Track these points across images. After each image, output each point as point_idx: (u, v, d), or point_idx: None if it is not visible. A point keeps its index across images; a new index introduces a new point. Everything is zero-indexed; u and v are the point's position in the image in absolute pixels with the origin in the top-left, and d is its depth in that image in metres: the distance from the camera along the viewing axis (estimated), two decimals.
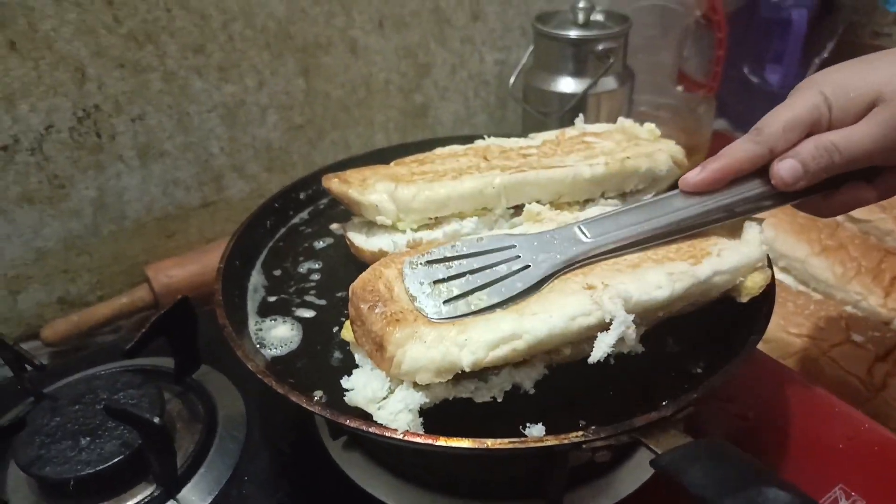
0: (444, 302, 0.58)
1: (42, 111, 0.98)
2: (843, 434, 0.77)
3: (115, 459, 0.69)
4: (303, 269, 0.82)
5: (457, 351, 0.56)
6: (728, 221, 0.66)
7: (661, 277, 0.61)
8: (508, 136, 0.94)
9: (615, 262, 0.64)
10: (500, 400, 0.60)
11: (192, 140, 1.12)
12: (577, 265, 0.62)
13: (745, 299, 0.66)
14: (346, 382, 0.60)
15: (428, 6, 1.26)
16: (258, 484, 0.73)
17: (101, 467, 0.68)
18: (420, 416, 0.57)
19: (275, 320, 0.74)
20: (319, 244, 0.87)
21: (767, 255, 0.68)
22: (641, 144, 0.85)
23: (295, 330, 0.73)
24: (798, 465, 0.75)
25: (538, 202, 0.77)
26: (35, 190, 1.01)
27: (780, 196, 0.65)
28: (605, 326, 0.58)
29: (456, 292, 0.58)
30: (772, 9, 1.53)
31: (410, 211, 0.74)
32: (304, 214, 0.92)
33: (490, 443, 0.55)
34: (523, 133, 1.37)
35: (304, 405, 0.58)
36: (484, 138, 0.88)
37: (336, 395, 0.62)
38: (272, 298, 0.78)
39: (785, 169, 0.62)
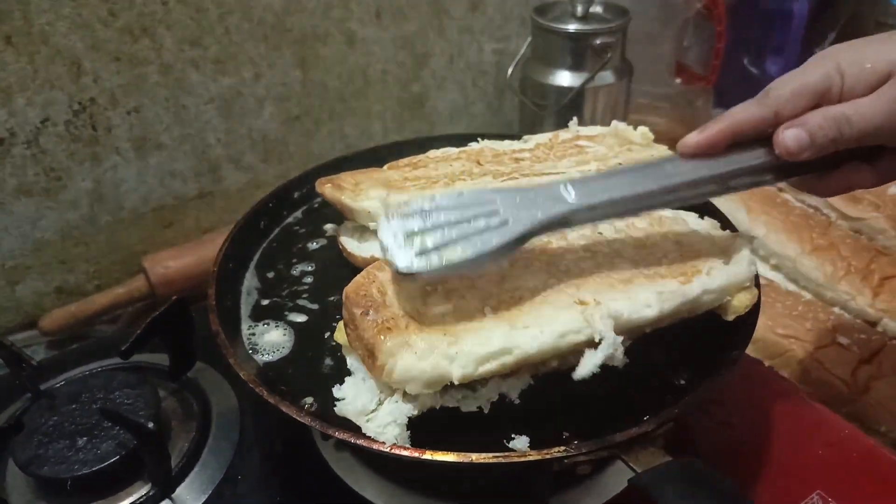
0: (417, 255, 0.56)
1: (38, 105, 0.98)
2: (823, 440, 0.79)
3: (112, 459, 0.70)
4: (296, 271, 0.83)
5: (447, 364, 0.57)
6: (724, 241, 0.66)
7: (650, 296, 0.62)
8: (503, 137, 0.94)
9: (608, 276, 0.65)
10: (486, 411, 0.61)
11: (189, 132, 1.12)
12: (558, 226, 0.60)
13: (730, 317, 0.67)
14: (337, 392, 0.62)
15: None
16: (251, 483, 0.75)
17: (97, 467, 0.70)
18: (407, 427, 0.59)
19: (267, 325, 0.75)
20: (313, 245, 0.88)
21: (756, 275, 0.69)
22: (634, 149, 0.86)
23: (287, 335, 0.74)
24: (777, 469, 0.77)
25: None
26: (32, 182, 1.02)
27: (779, 169, 0.62)
28: (593, 342, 0.59)
29: (430, 245, 0.56)
30: (773, 0, 1.52)
31: None
32: (298, 214, 0.93)
33: (474, 457, 0.56)
34: (521, 124, 1.39)
35: (295, 416, 0.60)
36: (478, 141, 0.89)
37: (326, 403, 0.64)
38: (265, 302, 0.79)
39: (790, 137, 0.58)
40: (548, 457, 0.57)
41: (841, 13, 1.70)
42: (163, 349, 0.84)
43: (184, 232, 1.19)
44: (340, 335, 0.65)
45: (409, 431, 0.59)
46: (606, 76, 1.26)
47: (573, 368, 0.59)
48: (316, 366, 0.71)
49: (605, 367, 0.61)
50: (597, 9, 1.29)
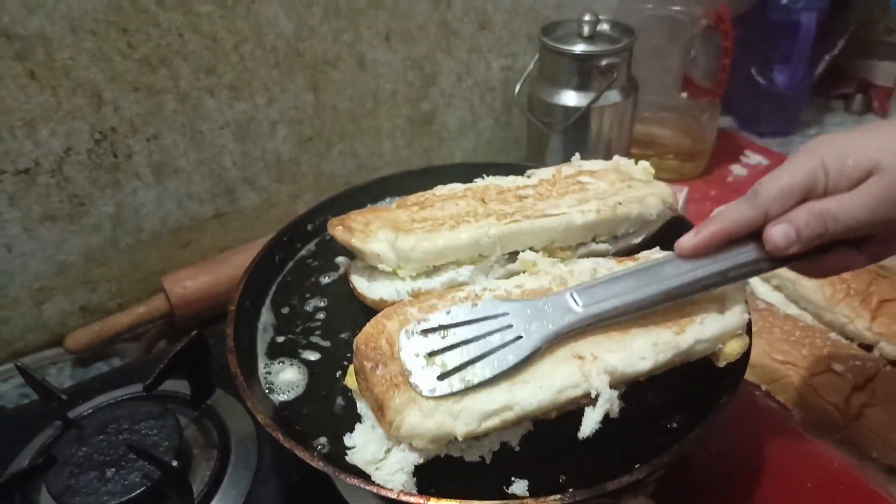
0: (439, 377, 0.62)
1: (61, 135, 1.02)
2: (813, 472, 0.82)
3: (138, 491, 0.75)
4: (309, 307, 0.87)
5: (451, 421, 0.61)
6: (719, 289, 0.70)
7: (645, 348, 0.66)
8: (508, 166, 0.98)
9: (604, 326, 0.68)
10: (488, 461, 0.65)
11: (206, 156, 1.16)
12: (567, 333, 0.66)
13: (721, 364, 0.70)
14: (348, 440, 0.66)
15: (435, 19, 1.27)
16: None
17: (125, 498, 0.74)
18: (413, 474, 0.63)
19: (282, 363, 0.80)
20: (325, 279, 0.91)
21: (749, 322, 0.72)
22: (634, 186, 0.88)
23: (301, 374, 0.78)
24: (768, 501, 0.80)
25: (532, 248, 0.82)
26: (56, 209, 1.06)
27: (773, 260, 0.66)
28: (590, 395, 0.63)
29: (450, 366, 0.62)
30: (781, 11, 1.52)
31: (410, 260, 0.79)
32: (311, 246, 0.97)
33: None
34: (528, 139, 1.42)
35: (310, 462, 0.64)
36: (483, 177, 0.92)
37: (339, 443, 0.68)
38: (280, 339, 0.83)
39: (778, 234, 0.63)
40: None
41: (850, 21, 1.70)
42: (183, 376, 0.88)
43: (201, 251, 1.23)
44: (351, 381, 0.69)
45: (415, 478, 0.63)
46: (612, 95, 1.28)
47: (571, 415, 0.64)
48: (329, 405, 0.75)
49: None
50: (604, 27, 1.31)
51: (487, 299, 0.69)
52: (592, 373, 0.63)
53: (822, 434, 0.95)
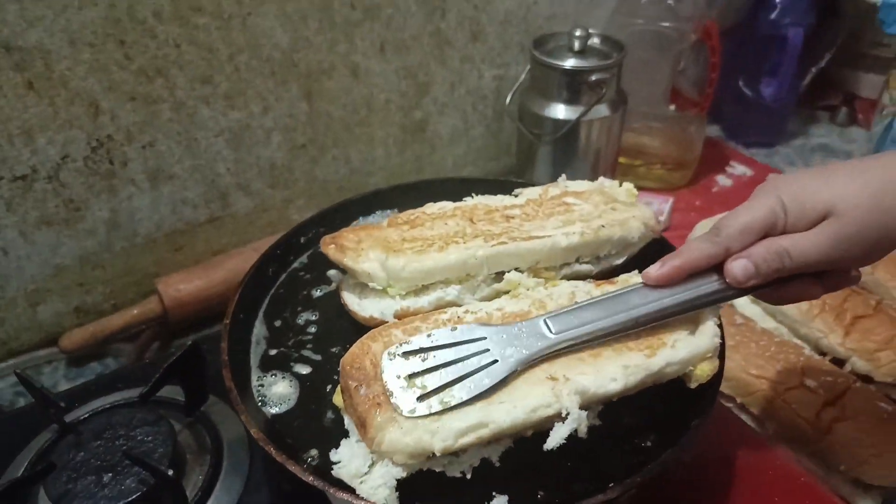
0: (419, 399, 0.65)
1: (58, 143, 1.04)
2: (781, 487, 0.86)
3: (135, 496, 0.78)
4: (301, 320, 0.90)
5: (429, 438, 0.64)
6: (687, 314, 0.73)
7: (616, 370, 0.69)
8: (497, 182, 1.01)
9: (577, 349, 0.72)
10: (469, 477, 0.68)
11: (200, 163, 1.18)
12: (540, 358, 0.69)
13: (693, 385, 0.73)
14: (333, 455, 0.69)
15: (428, 30, 1.29)
16: None
17: (121, 503, 0.78)
18: (396, 489, 0.67)
19: (275, 375, 0.83)
20: (317, 293, 0.94)
21: (722, 344, 0.75)
22: (618, 208, 0.91)
23: (293, 387, 0.81)
24: None
25: (518, 269, 0.85)
26: (52, 213, 1.08)
27: (734, 291, 0.70)
28: (562, 415, 0.67)
29: (429, 388, 0.66)
30: (769, 26, 1.55)
31: (400, 279, 0.82)
32: (304, 258, 0.99)
33: None
34: (518, 147, 1.44)
35: (300, 476, 0.67)
36: (472, 196, 0.94)
37: (329, 456, 0.71)
38: (273, 352, 0.86)
39: (738, 268, 0.68)
40: None
41: (838, 34, 1.73)
42: (178, 382, 0.91)
43: (194, 255, 1.25)
44: (338, 399, 0.72)
45: (397, 493, 0.66)
46: (601, 109, 1.31)
47: (548, 433, 0.67)
48: (319, 418, 0.78)
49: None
50: (594, 41, 1.33)
51: (466, 324, 0.73)
52: (564, 393, 0.66)
53: (793, 446, 0.99)
